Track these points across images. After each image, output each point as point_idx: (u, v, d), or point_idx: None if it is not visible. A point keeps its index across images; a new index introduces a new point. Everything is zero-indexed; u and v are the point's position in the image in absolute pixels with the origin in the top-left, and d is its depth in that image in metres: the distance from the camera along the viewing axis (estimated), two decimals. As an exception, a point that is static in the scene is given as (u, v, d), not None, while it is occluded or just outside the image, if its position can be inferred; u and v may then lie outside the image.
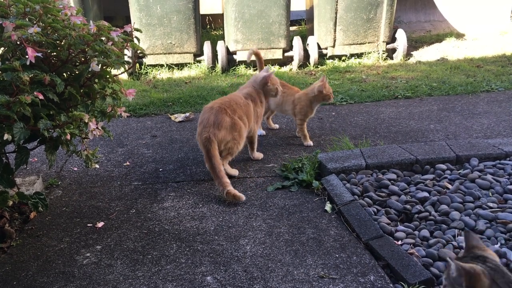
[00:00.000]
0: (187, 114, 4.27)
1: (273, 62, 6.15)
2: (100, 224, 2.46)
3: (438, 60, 6.23)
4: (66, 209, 2.65)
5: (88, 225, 2.47)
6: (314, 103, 3.45)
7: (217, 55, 6.04)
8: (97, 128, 2.17)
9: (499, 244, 2.07)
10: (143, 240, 2.30)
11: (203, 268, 2.06)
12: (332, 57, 6.28)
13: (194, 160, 3.27)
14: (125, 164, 3.26)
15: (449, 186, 2.60)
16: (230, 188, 2.63)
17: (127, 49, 2.40)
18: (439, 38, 7.27)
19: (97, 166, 2.59)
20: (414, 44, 7.04)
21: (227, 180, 2.67)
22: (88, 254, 2.20)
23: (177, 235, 2.34)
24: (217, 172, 2.68)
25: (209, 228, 2.40)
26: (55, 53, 2.19)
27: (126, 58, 2.57)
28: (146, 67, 6.02)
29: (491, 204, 2.38)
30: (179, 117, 4.23)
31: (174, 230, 2.39)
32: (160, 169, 3.15)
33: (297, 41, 6.05)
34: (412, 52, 6.61)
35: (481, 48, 6.70)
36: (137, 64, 6.01)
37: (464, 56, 6.32)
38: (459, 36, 7.38)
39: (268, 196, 2.72)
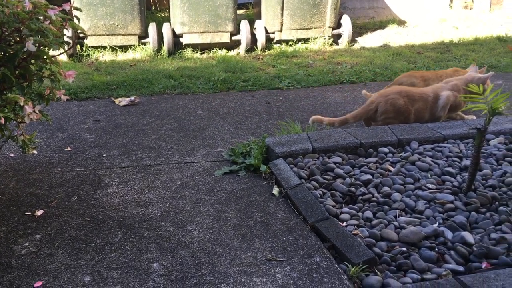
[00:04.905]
0: (132, 98, 4.14)
1: (220, 45, 6.08)
2: (39, 213, 2.35)
3: (381, 46, 6.40)
4: (2, 197, 2.51)
5: (27, 213, 2.35)
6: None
7: (162, 37, 5.89)
8: (34, 111, 2.07)
9: (437, 223, 2.17)
10: (85, 228, 2.23)
11: (149, 255, 2.02)
12: (280, 42, 6.29)
13: (139, 145, 3.19)
14: (66, 149, 3.13)
15: (391, 168, 2.69)
16: None
17: (66, 29, 2.29)
18: (382, 25, 7.46)
19: (35, 151, 2.46)
20: (358, 30, 7.18)
21: None
22: (26, 244, 2.10)
23: (122, 222, 2.28)
24: None
25: (155, 214, 2.35)
26: (-14, 32, 2.05)
27: (65, 39, 2.45)
28: (88, 49, 5.77)
29: (430, 185, 2.49)
30: (123, 101, 4.10)
31: (118, 217, 2.32)
32: (104, 155, 3.05)
33: (244, 24, 6.00)
34: (356, 38, 6.74)
35: (421, 35, 6.94)
36: (78, 46, 5.76)
37: (405, 43, 6.52)
38: (401, 23, 7.60)
39: (216, 181, 2.70)
